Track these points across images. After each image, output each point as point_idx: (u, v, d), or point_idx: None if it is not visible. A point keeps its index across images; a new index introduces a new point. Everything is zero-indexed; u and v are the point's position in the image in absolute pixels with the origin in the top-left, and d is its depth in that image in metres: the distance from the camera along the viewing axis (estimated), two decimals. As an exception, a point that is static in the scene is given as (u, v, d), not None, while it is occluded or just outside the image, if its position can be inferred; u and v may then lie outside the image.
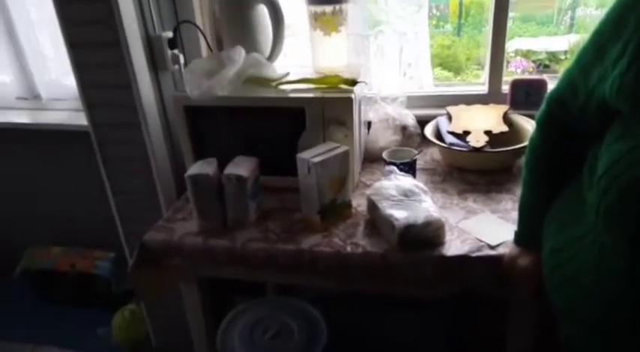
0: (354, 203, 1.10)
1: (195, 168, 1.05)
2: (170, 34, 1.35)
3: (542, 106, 0.79)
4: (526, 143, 1.18)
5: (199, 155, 1.16)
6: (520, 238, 0.87)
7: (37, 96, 1.76)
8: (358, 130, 1.15)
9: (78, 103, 1.66)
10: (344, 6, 1.18)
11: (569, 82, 0.71)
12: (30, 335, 1.80)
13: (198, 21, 1.43)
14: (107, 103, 1.32)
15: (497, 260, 0.90)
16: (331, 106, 1.06)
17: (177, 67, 1.39)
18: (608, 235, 0.61)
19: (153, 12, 1.32)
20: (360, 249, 0.96)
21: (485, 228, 0.99)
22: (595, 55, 0.64)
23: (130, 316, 1.70)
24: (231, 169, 1.03)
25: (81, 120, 1.54)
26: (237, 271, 1.05)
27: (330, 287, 1.22)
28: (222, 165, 1.06)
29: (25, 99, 1.78)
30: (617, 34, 0.59)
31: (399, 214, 0.94)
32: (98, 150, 1.38)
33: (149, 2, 1.30)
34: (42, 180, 1.88)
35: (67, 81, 1.67)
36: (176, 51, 1.37)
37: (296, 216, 1.08)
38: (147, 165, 1.37)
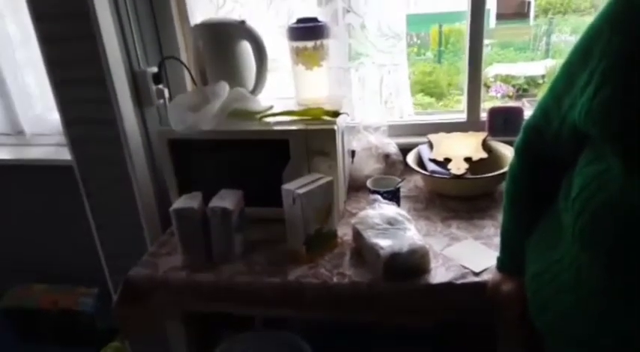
0: (340, 232, 1.11)
1: (180, 202, 1.05)
2: (155, 70, 1.37)
3: (520, 135, 0.82)
4: (505, 169, 1.21)
5: (184, 189, 1.16)
6: (502, 264, 0.88)
7: (20, 132, 1.76)
8: (342, 160, 1.17)
9: (62, 138, 1.67)
10: (325, 41, 1.21)
11: (544, 110, 0.74)
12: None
13: (183, 56, 1.46)
14: (91, 138, 1.33)
15: (481, 286, 0.91)
16: (315, 138, 1.08)
17: (162, 101, 1.41)
18: (584, 256, 0.63)
19: (137, 48, 1.35)
20: (346, 280, 0.97)
21: (469, 254, 1.01)
22: (566, 82, 0.68)
23: (114, 354, 1.66)
24: (217, 202, 1.04)
25: (65, 155, 1.54)
26: (223, 305, 1.04)
27: (318, 318, 1.21)
28: (207, 199, 1.06)
29: (9, 134, 1.77)
30: (584, 63, 0.63)
31: (384, 243, 0.95)
32: (82, 185, 1.38)
33: (134, 38, 1.33)
34: (24, 216, 1.85)
35: (51, 116, 1.67)
36: (161, 86, 1.39)
37: (282, 247, 1.08)
38: (132, 199, 1.37)
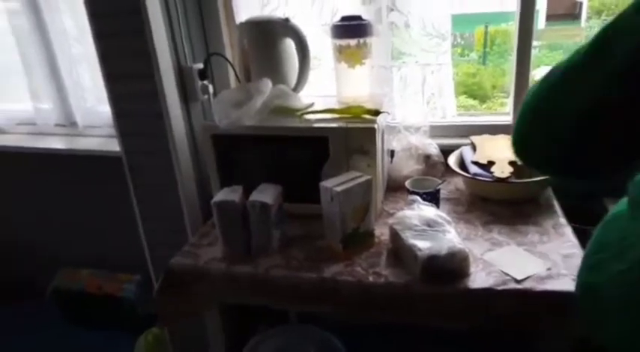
0: (377, 232, 1.10)
1: (221, 195, 1.07)
2: (201, 66, 1.41)
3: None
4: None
5: (226, 182, 1.19)
6: None
7: (73, 123, 1.85)
8: (381, 159, 1.17)
9: (112, 130, 1.74)
10: (368, 39, 1.21)
11: None
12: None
13: (228, 53, 1.49)
14: (139, 131, 1.38)
15: (523, 294, 0.88)
16: (354, 136, 1.08)
17: (206, 97, 1.44)
18: None
19: (185, 44, 1.39)
20: (382, 279, 0.96)
21: (511, 260, 0.98)
22: None
23: (153, 340, 1.71)
24: (256, 196, 1.05)
25: (114, 146, 1.61)
26: (260, 298, 1.05)
27: (353, 317, 1.21)
28: (247, 193, 1.08)
29: (63, 125, 1.87)
30: None
31: (423, 244, 0.93)
32: (129, 176, 1.43)
33: (181, 35, 1.37)
34: (75, 204, 1.95)
35: (102, 109, 1.75)
36: (206, 82, 1.43)
37: (319, 243, 1.09)
38: (175, 191, 1.41)
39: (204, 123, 1.24)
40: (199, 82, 1.41)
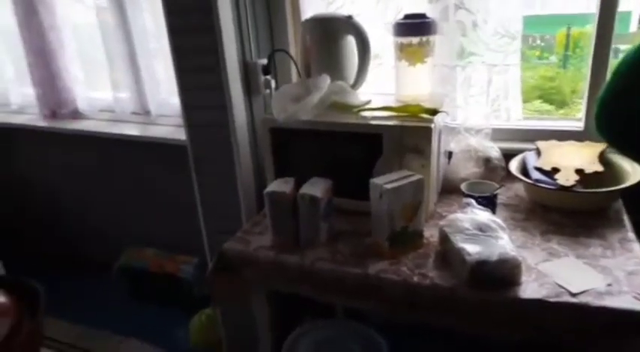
0: (427, 233, 1.08)
1: (273, 186, 1.11)
2: (265, 61, 1.46)
3: None
4: (624, 186, 1.09)
5: (280, 174, 1.22)
6: None
7: (147, 112, 1.99)
8: (437, 160, 1.14)
9: (180, 120, 1.85)
10: (431, 37, 1.19)
11: None
12: (119, 327, 1.98)
13: (292, 49, 1.53)
14: (204, 122, 1.45)
15: (577, 309, 0.83)
16: (409, 134, 1.07)
17: (268, 91, 1.49)
18: None
19: (251, 41, 1.44)
20: (427, 281, 0.94)
21: (567, 273, 0.92)
22: None
23: (206, 320, 1.81)
24: (306, 189, 1.08)
25: (181, 135, 1.71)
26: (305, 288, 1.07)
27: (396, 316, 1.20)
28: (299, 185, 1.11)
29: (139, 114, 2.01)
30: None
31: (472, 249, 0.91)
32: (192, 164, 1.52)
33: (249, 32, 1.43)
34: (143, 188, 2.10)
35: (173, 100, 1.86)
36: (269, 76, 1.48)
37: (366, 240, 1.09)
38: (233, 180, 1.47)
39: (263, 117, 1.28)
40: (262, 77, 1.46)
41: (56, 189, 2.39)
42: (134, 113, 2.02)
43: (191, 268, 1.98)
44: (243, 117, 1.44)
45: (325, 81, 1.19)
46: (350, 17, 1.24)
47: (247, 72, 1.44)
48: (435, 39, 1.21)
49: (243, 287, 1.17)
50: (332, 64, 1.28)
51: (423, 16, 1.20)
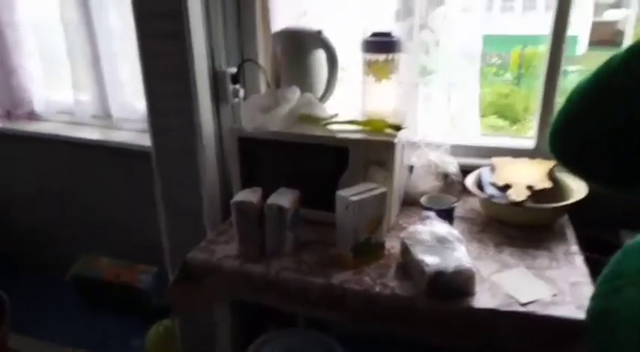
0: (389, 245, 1.12)
1: (240, 196, 1.12)
2: (234, 70, 1.47)
3: None
4: (569, 202, 1.17)
5: (247, 184, 1.23)
6: None
7: (109, 116, 1.94)
8: (399, 174, 1.19)
9: (144, 125, 1.82)
10: (396, 55, 1.24)
11: None
12: (70, 338, 1.90)
13: (261, 60, 1.55)
14: (170, 128, 1.44)
15: (525, 317, 0.89)
16: (374, 148, 1.11)
17: (237, 100, 1.50)
18: None
19: (221, 49, 1.45)
20: (388, 291, 0.98)
21: (517, 283, 0.98)
22: None
23: (164, 332, 1.77)
24: (274, 199, 1.09)
25: (145, 141, 1.68)
26: (269, 298, 1.09)
27: (359, 326, 1.23)
28: (266, 195, 1.12)
29: (99, 117, 1.96)
30: None
31: (431, 260, 0.95)
32: (157, 170, 1.50)
33: (219, 40, 1.43)
34: (102, 194, 2.04)
35: (137, 104, 1.83)
36: (237, 86, 1.48)
37: (330, 250, 1.12)
38: (198, 189, 1.46)
39: (231, 126, 1.29)
40: (231, 86, 1.46)
41: (8, 193, 2.29)
42: (95, 116, 1.96)
43: (150, 278, 1.93)
44: (210, 126, 1.44)
45: (294, 93, 1.21)
46: (320, 32, 1.28)
47: (216, 80, 1.44)
48: (400, 57, 1.27)
49: (206, 297, 1.17)
50: (301, 76, 1.31)
51: (389, 34, 1.26)
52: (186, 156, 1.45)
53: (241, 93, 1.51)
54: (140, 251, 1.94)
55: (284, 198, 1.10)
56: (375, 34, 1.26)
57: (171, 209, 1.54)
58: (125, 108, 1.90)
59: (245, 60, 1.50)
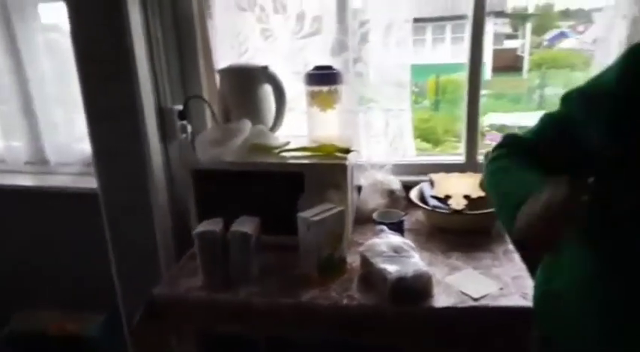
0: (348, 260, 1.19)
1: (202, 226, 1.14)
2: (180, 107, 1.50)
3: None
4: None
5: (204, 216, 1.25)
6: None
7: (44, 161, 1.86)
8: (351, 194, 1.28)
9: (84, 168, 1.78)
10: (338, 86, 1.35)
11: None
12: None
13: (205, 95, 1.60)
14: (118, 168, 1.43)
15: (480, 310, 0.99)
16: (328, 172, 1.19)
17: (184, 136, 1.53)
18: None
19: (166, 87, 1.48)
20: (355, 302, 1.04)
21: (468, 282, 1.09)
22: None
23: (118, 381, 1.68)
24: (237, 227, 1.13)
25: (87, 183, 1.65)
26: (240, 325, 1.10)
27: (326, 345, 1.28)
28: (226, 226, 1.15)
29: (33, 163, 1.88)
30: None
31: (391, 268, 1.04)
32: (105, 212, 1.47)
33: (163, 78, 1.47)
34: (41, 242, 1.92)
35: (76, 146, 1.78)
36: (185, 122, 1.52)
37: (294, 272, 1.16)
38: (151, 227, 1.46)
39: (185, 160, 1.32)
40: (179, 122, 1.49)
41: None
42: (28, 163, 1.87)
43: (98, 326, 1.83)
44: (159, 163, 1.45)
45: (247, 125, 1.28)
46: (266, 68, 1.36)
47: (163, 117, 1.47)
48: (342, 88, 1.38)
49: (172, 333, 1.15)
50: (251, 109, 1.37)
51: (330, 67, 1.37)
52: (135, 195, 1.44)
53: (189, 129, 1.54)
54: (87, 298, 1.84)
55: (246, 226, 1.14)
56: (317, 68, 1.37)
57: (122, 250, 1.51)
58: (62, 151, 1.84)
59: (191, 96, 1.54)
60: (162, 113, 1.47)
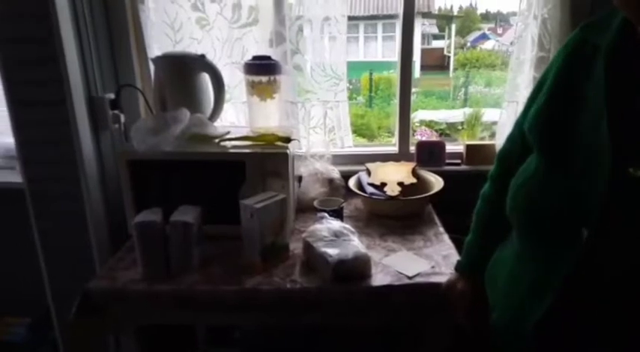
0: (291, 247, 1.22)
1: (141, 217, 1.11)
2: (112, 96, 1.44)
3: (494, 164, 0.97)
4: (432, 192, 1.41)
5: (141, 207, 1.21)
6: (462, 267, 1.02)
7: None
8: (292, 182, 1.30)
9: (4, 161, 1.66)
10: (277, 77, 1.37)
11: (511, 136, 0.93)
12: None
13: (139, 84, 1.55)
14: (46, 160, 1.35)
15: (415, 287, 1.07)
16: (269, 160, 1.21)
17: (117, 126, 1.47)
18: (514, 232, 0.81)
19: (96, 75, 1.42)
20: (298, 285, 1.08)
21: (403, 262, 1.16)
22: (525, 110, 0.86)
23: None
24: (178, 216, 1.11)
25: (9, 177, 1.54)
26: (183, 315, 1.09)
27: (267, 334, 1.30)
28: (166, 216, 1.13)
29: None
30: (539, 91, 0.80)
31: (332, 251, 1.08)
32: (32, 206, 1.38)
33: (93, 66, 1.40)
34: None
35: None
36: (117, 111, 1.46)
37: (237, 261, 1.16)
38: (83, 220, 1.39)
39: (119, 150, 1.27)
40: (110, 112, 1.43)
41: None
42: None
43: (23, 330, 1.72)
44: (91, 153, 1.39)
45: (185, 114, 1.26)
46: (203, 56, 1.35)
47: (94, 106, 1.40)
48: (281, 78, 1.40)
49: (112, 326, 1.12)
50: (188, 98, 1.35)
51: (268, 58, 1.38)
52: (65, 188, 1.37)
53: (122, 118, 1.48)
54: (10, 301, 1.72)
55: (187, 215, 1.13)
56: (255, 58, 1.38)
57: (51, 247, 1.42)
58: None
59: (124, 85, 1.48)
60: (92, 102, 1.40)
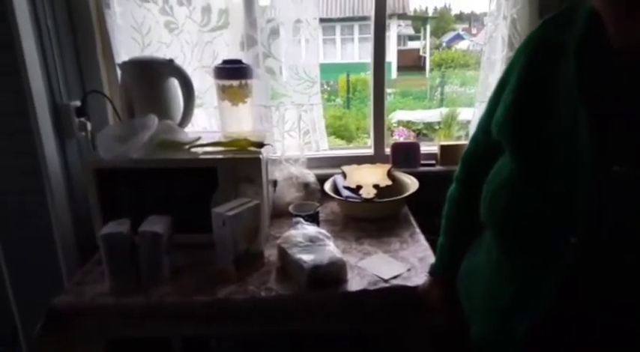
0: (266, 253, 1.19)
1: (108, 228, 1.07)
2: (78, 103, 1.40)
3: (458, 165, 0.96)
4: (407, 194, 1.40)
5: (109, 217, 1.17)
6: (437, 270, 1.02)
7: None
8: (266, 187, 1.28)
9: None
10: (249, 81, 1.35)
11: (474, 138, 0.91)
12: None
13: (106, 91, 1.50)
14: (8, 171, 1.30)
15: (391, 290, 1.05)
16: (242, 166, 1.18)
17: (84, 134, 1.42)
18: (489, 235, 0.79)
19: (60, 82, 1.37)
20: (273, 293, 1.05)
21: (379, 265, 1.15)
22: (488, 112, 0.84)
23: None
24: (146, 227, 1.08)
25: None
26: (155, 328, 1.06)
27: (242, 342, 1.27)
28: (134, 226, 1.09)
29: None
30: (501, 91, 0.78)
31: (307, 257, 1.06)
32: (-7, 219, 1.32)
33: (57, 72, 1.36)
34: None
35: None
36: (83, 119, 1.41)
37: (209, 270, 1.13)
38: (49, 232, 1.34)
39: (85, 158, 1.23)
40: (77, 119, 1.39)
41: None
42: None
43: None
44: (56, 163, 1.34)
45: (153, 120, 1.22)
46: (171, 61, 1.31)
47: (59, 114, 1.35)
48: (253, 82, 1.37)
49: (79, 343, 1.07)
50: (156, 104, 1.31)
51: (239, 61, 1.36)
52: (30, 200, 1.32)
53: (89, 126, 1.44)
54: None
55: (157, 225, 1.09)
56: (226, 62, 1.35)
57: (16, 261, 1.37)
58: None
59: (90, 91, 1.44)
60: (57, 110, 1.35)
